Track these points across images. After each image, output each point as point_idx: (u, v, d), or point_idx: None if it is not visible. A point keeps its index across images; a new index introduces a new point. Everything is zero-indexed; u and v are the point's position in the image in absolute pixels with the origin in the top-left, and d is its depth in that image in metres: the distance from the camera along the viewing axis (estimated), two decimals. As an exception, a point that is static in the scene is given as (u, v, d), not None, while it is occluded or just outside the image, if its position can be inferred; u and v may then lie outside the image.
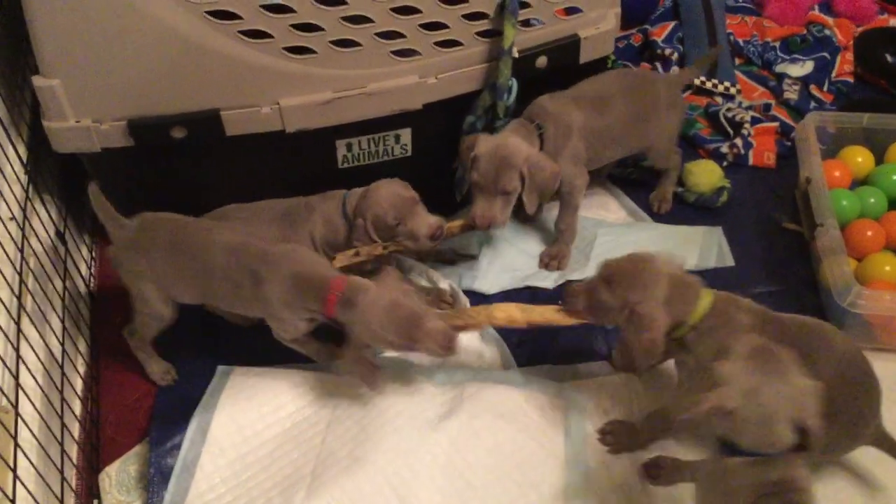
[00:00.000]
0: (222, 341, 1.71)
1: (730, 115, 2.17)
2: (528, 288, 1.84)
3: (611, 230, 1.94)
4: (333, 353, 1.60)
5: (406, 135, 1.82)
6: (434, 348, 1.42)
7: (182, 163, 1.72)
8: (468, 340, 1.68)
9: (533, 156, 1.68)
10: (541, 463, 1.50)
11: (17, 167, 1.60)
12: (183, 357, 1.69)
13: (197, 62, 1.54)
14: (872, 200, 1.86)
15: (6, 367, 1.32)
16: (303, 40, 1.56)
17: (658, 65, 2.33)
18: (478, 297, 1.80)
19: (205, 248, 1.49)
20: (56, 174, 1.84)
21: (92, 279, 1.87)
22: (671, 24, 2.42)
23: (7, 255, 1.44)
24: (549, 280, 1.84)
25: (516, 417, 1.56)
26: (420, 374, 1.64)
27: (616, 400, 1.60)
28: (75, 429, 1.56)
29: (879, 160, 1.97)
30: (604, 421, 1.56)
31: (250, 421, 1.57)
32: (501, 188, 1.66)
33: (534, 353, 1.71)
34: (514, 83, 1.74)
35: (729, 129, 2.15)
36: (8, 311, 1.38)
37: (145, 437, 1.58)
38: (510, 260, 1.88)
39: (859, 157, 1.95)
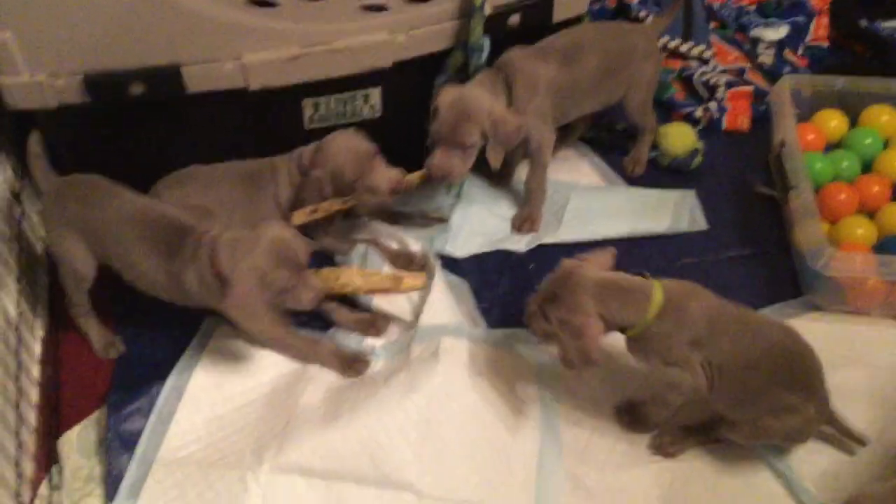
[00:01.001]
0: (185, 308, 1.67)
1: (704, 78, 2.14)
2: (501, 251, 1.81)
3: (583, 193, 1.91)
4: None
5: (375, 94, 1.78)
6: (304, 299, 1.42)
7: (141, 121, 1.66)
8: (439, 300, 1.65)
9: (496, 110, 1.64)
10: (515, 423, 1.49)
11: (-31, 125, 1.54)
12: (145, 322, 1.64)
13: (156, 14, 1.48)
14: (846, 164, 1.85)
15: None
16: (267, -8, 1.51)
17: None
18: (449, 261, 1.77)
19: (117, 213, 1.46)
20: (11, 134, 1.77)
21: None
22: (646, -14, 2.38)
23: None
24: (521, 243, 1.82)
25: (491, 377, 1.54)
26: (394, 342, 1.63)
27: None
28: (34, 393, 1.52)
29: (853, 124, 1.96)
30: (576, 382, 1.55)
31: (229, 381, 1.56)
32: (460, 140, 1.62)
33: (503, 316, 1.68)
34: (486, 42, 1.70)
35: (703, 93, 2.13)
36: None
37: (104, 403, 1.54)
38: (482, 222, 1.85)
39: (833, 121, 1.94)
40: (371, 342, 1.64)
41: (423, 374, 1.52)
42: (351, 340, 1.64)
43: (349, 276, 1.60)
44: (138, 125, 1.67)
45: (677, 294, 1.35)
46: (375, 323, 1.65)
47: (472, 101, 1.63)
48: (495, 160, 1.67)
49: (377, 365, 1.59)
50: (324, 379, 1.56)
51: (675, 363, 1.35)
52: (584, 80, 1.77)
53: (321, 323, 1.65)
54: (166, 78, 1.55)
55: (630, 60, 1.82)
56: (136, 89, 1.55)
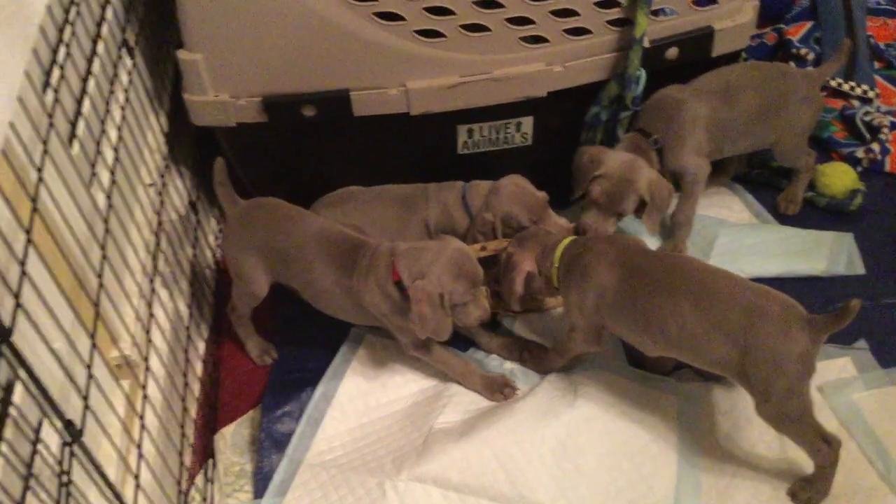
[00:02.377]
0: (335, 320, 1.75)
1: (867, 118, 2.07)
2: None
3: (733, 230, 1.88)
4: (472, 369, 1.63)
5: (528, 123, 1.82)
6: (473, 316, 1.49)
7: (310, 141, 1.77)
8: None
9: (654, 179, 1.68)
10: (653, 457, 1.48)
11: (159, 137, 1.68)
12: (298, 331, 1.73)
13: (331, 42, 1.58)
14: None
15: (139, 322, 1.39)
16: (434, 24, 1.58)
17: (792, 65, 2.24)
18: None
19: (301, 235, 1.54)
20: (191, 146, 1.92)
21: (219, 249, 1.95)
22: (808, 24, 2.32)
23: (145, 220, 1.51)
24: None
25: (630, 409, 1.55)
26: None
27: (728, 401, 1.56)
28: (197, 389, 1.63)
29: None
30: (715, 421, 1.52)
31: (374, 392, 1.64)
32: (620, 210, 1.68)
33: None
34: (643, 74, 1.71)
35: (866, 134, 2.05)
36: (143, 271, 1.45)
37: (259, 403, 1.64)
38: None
39: None
40: (510, 366, 1.66)
41: (561, 402, 1.54)
42: (491, 361, 1.67)
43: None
44: (307, 144, 1.78)
45: (581, 249, 1.49)
46: (517, 347, 1.68)
47: (636, 172, 1.67)
48: (653, 227, 1.71)
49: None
50: (463, 399, 1.60)
51: (568, 315, 1.53)
52: (741, 119, 1.76)
53: (460, 343, 1.69)
54: (336, 102, 1.65)
55: (788, 103, 1.80)
56: (309, 111, 1.66)
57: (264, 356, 1.71)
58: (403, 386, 1.65)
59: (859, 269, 1.80)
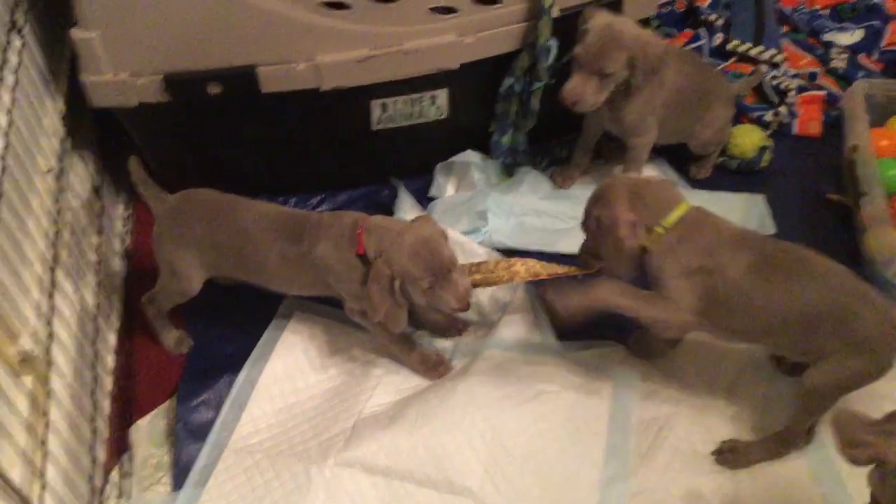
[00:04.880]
0: (253, 301, 1.71)
1: (775, 83, 2.11)
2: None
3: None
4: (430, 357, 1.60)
5: (442, 96, 1.80)
6: (450, 300, 1.42)
7: (217, 120, 1.71)
8: (513, 309, 1.67)
9: (642, 35, 1.63)
10: (584, 438, 1.49)
11: (56, 121, 1.60)
12: (214, 317, 1.69)
13: (234, 16, 1.53)
14: (921, 170, 1.80)
15: (40, 316, 1.33)
16: (340, -5, 1.55)
17: (703, 31, 2.27)
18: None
19: (245, 222, 1.50)
20: (94, 130, 1.84)
21: (128, 236, 1.88)
22: (717, -10, 2.36)
23: (43, 208, 1.44)
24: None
25: (562, 391, 1.54)
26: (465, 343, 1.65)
27: (661, 373, 1.59)
28: (108, 382, 1.58)
29: (930, 130, 1.90)
30: (647, 395, 1.55)
31: (302, 373, 1.60)
32: (602, 67, 1.61)
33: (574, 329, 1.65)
34: (555, 44, 1.71)
35: (774, 98, 2.10)
36: (43, 262, 1.39)
37: (175, 393, 1.59)
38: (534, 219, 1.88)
39: (909, 127, 1.89)
40: (444, 344, 1.65)
41: (492, 384, 1.53)
42: (422, 339, 1.66)
43: (528, 264, 1.58)
44: (214, 124, 1.72)
45: (707, 219, 1.39)
46: (457, 325, 1.67)
47: (621, 25, 1.61)
48: (645, 89, 1.67)
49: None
50: (393, 378, 1.59)
51: (661, 288, 1.37)
52: (674, 109, 1.80)
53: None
54: (242, 78, 1.60)
55: (710, 103, 1.86)
56: (213, 89, 1.61)
57: (180, 346, 1.66)
58: (332, 366, 1.62)
59: (771, 229, 1.85)
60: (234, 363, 1.61)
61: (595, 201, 1.44)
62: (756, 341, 1.46)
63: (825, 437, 1.46)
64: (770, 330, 1.37)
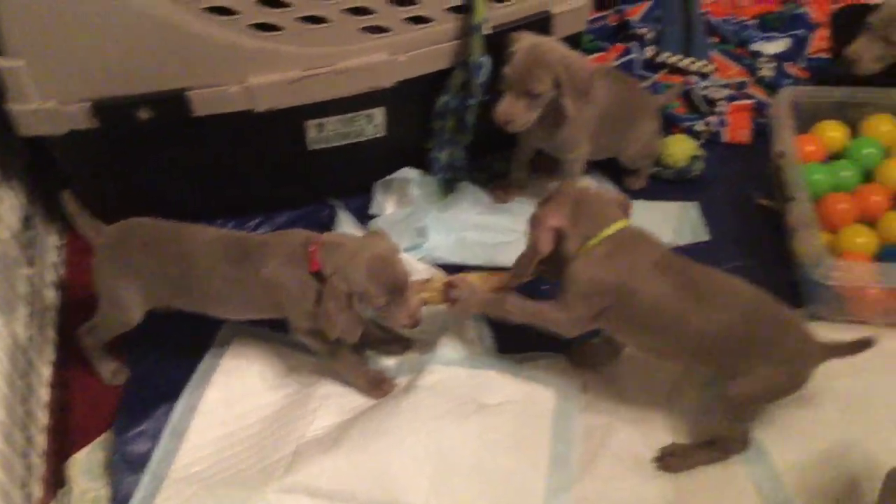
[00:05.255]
0: (191, 327, 1.68)
1: (704, 93, 2.16)
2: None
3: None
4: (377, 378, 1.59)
5: (379, 114, 1.80)
6: (402, 318, 1.43)
7: (150, 146, 1.69)
8: (455, 324, 1.68)
9: (568, 56, 1.65)
10: (528, 450, 1.49)
11: (-19, 150, 1.58)
12: (150, 345, 1.67)
13: (162, 41, 1.52)
14: (845, 174, 1.85)
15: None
16: (269, 16, 1.54)
17: (634, 44, 2.32)
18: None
19: (189, 247, 1.48)
20: (23, 159, 1.81)
21: (62, 266, 1.84)
22: (647, 4, 2.41)
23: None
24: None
25: (505, 403, 1.55)
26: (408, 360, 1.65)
27: (602, 381, 1.61)
28: (42, 416, 1.54)
29: (855, 134, 1.97)
30: (588, 404, 1.57)
31: (242, 398, 1.58)
32: (530, 87, 1.63)
33: (515, 341, 1.67)
34: (487, 60, 1.73)
35: (703, 107, 2.15)
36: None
37: (112, 425, 1.56)
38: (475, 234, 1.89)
39: (833, 132, 1.95)
40: (387, 363, 1.65)
41: (436, 400, 1.53)
42: (368, 357, 1.65)
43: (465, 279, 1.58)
44: (146, 149, 1.70)
45: (634, 238, 1.42)
46: (400, 342, 1.67)
47: (547, 46, 1.64)
48: (573, 108, 1.67)
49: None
50: (336, 400, 1.57)
51: (564, 293, 1.42)
52: (612, 116, 1.83)
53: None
54: (173, 102, 1.59)
55: (635, 119, 1.90)
56: (144, 114, 1.59)
57: (116, 376, 1.63)
58: (273, 390, 1.61)
59: (704, 235, 1.89)
60: (172, 391, 1.59)
61: (540, 203, 1.47)
62: (676, 360, 1.50)
63: (764, 441, 1.50)
64: (689, 351, 1.42)
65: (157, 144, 1.69)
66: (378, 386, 1.58)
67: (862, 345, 1.41)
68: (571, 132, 1.78)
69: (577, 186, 1.50)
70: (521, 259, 1.48)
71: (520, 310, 1.47)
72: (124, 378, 1.63)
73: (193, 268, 1.48)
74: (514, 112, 1.64)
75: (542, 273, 1.51)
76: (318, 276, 1.42)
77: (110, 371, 1.63)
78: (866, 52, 1.87)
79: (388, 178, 1.93)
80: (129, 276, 1.49)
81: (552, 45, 1.66)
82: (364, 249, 1.41)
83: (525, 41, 1.64)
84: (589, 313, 1.42)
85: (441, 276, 1.67)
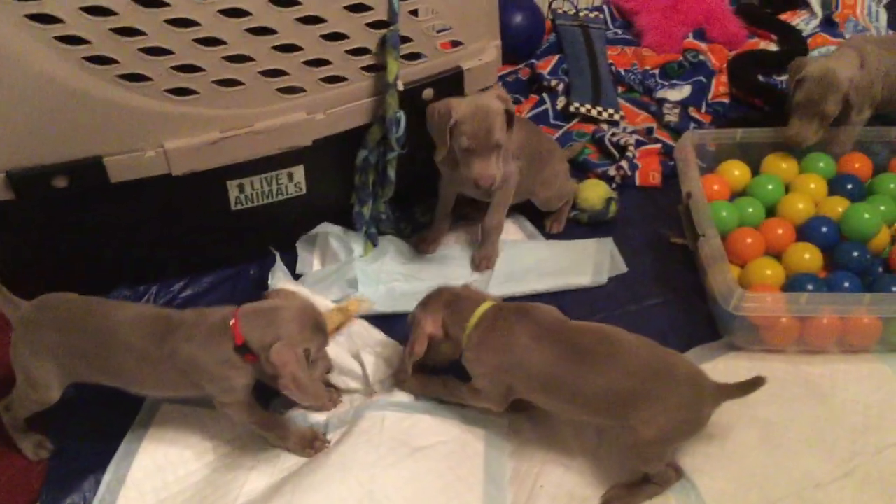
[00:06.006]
0: (117, 396, 1.65)
1: (615, 139, 2.25)
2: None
3: (512, 247, 2.01)
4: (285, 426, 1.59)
5: (299, 172, 1.83)
6: (326, 368, 1.52)
7: (68, 215, 1.68)
8: (380, 371, 1.69)
9: (501, 95, 1.76)
10: (459, 494, 1.50)
11: None
12: (74, 417, 1.63)
13: (76, 109, 1.51)
14: (751, 210, 1.95)
15: None
16: (184, 81, 1.56)
17: (546, 96, 2.41)
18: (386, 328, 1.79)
19: (106, 325, 1.46)
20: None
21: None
22: (556, 58, 2.52)
23: None
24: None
25: (436, 448, 1.56)
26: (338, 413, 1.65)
27: (531, 423, 1.63)
28: (-39, 496, 1.48)
29: (756, 172, 2.07)
30: (519, 446, 1.59)
31: (172, 466, 1.55)
32: (493, 143, 1.71)
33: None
34: (402, 115, 1.77)
35: (615, 153, 2.24)
36: None
37: (37, 500, 1.52)
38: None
39: (736, 171, 2.05)
40: (317, 417, 1.64)
41: (367, 447, 1.53)
42: (295, 416, 1.64)
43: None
44: (65, 218, 1.68)
45: (503, 317, 1.51)
46: (331, 396, 1.66)
47: (485, 101, 1.74)
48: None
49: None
50: (269, 461, 1.56)
51: (474, 382, 1.54)
52: (528, 159, 1.92)
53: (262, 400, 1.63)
54: (89, 170, 1.58)
55: (545, 164, 1.98)
56: (60, 183, 1.57)
57: (39, 450, 1.58)
58: (203, 457, 1.58)
59: (622, 268, 1.97)
60: (99, 462, 1.55)
61: (422, 302, 1.59)
62: (581, 418, 1.54)
63: (691, 471, 1.54)
64: (587, 410, 1.47)
65: (77, 212, 1.68)
66: (309, 444, 1.56)
67: (754, 384, 1.46)
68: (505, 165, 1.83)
69: (449, 288, 1.60)
70: (404, 357, 1.59)
71: (450, 394, 1.61)
72: (48, 452, 1.59)
73: (110, 346, 1.45)
74: (492, 170, 1.73)
75: (430, 361, 1.62)
76: (243, 349, 1.42)
77: (32, 445, 1.58)
78: (806, 132, 1.94)
79: (309, 234, 1.95)
80: (46, 355, 1.46)
81: (481, 97, 1.77)
82: (285, 310, 1.43)
83: (462, 107, 1.73)
84: (500, 389, 1.51)
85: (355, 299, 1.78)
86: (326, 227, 1.95)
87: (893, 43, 2.17)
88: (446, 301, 1.56)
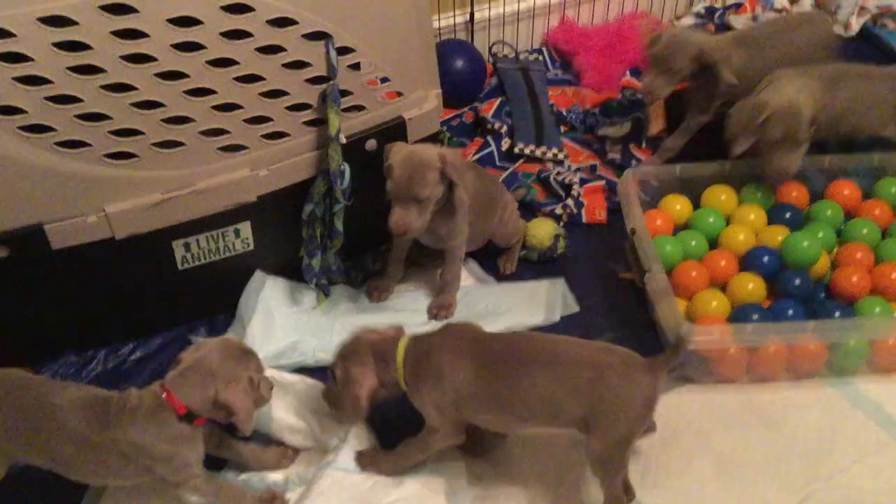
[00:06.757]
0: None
1: (560, 178, 2.28)
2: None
3: (464, 292, 2.02)
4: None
5: (246, 228, 1.82)
6: (268, 392, 1.52)
7: (10, 284, 1.65)
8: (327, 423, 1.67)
9: (442, 151, 1.74)
10: None
11: None
12: (28, 491, 1.58)
13: (14, 178, 1.50)
14: (694, 243, 1.99)
15: None
16: (123, 145, 1.55)
17: (490, 138, 2.44)
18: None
19: (42, 405, 1.41)
20: None
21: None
22: (498, 100, 2.55)
23: None
24: None
25: (396, 501, 1.55)
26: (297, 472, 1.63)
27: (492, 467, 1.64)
28: None
29: (697, 205, 2.12)
30: (481, 494, 1.58)
31: None
32: (415, 194, 1.69)
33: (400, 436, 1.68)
34: (346, 167, 1.78)
35: (560, 192, 2.27)
36: None
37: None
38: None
39: (678, 205, 2.09)
40: (274, 477, 1.61)
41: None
42: (251, 479, 1.61)
43: None
44: (6, 288, 1.65)
45: (426, 348, 1.50)
46: (286, 454, 1.64)
47: (423, 153, 1.72)
48: (463, 195, 1.80)
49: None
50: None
51: (431, 423, 1.52)
52: (481, 202, 1.93)
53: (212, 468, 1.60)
54: (29, 238, 1.56)
55: (496, 208, 2.00)
56: (0, 252, 1.55)
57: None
58: None
59: (574, 307, 1.98)
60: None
61: (345, 356, 1.53)
62: (537, 429, 1.54)
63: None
64: (528, 419, 1.48)
65: (19, 280, 1.65)
66: None
67: (679, 346, 1.46)
68: (457, 220, 1.86)
69: (363, 335, 1.56)
70: (348, 417, 1.58)
71: (418, 453, 1.58)
72: None
73: (46, 430, 1.41)
74: (409, 221, 1.71)
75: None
76: (189, 416, 1.40)
77: None
78: (657, 85, 2.19)
79: (247, 289, 1.91)
80: None
81: (425, 149, 1.75)
82: (207, 357, 1.43)
83: (398, 153, 1.72)
84: (451, 417, 1.50)
85: None
86: (259, 278, 1.93)
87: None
88: (370, 349, 1.52)
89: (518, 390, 1.44)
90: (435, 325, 1.92)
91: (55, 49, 1.42)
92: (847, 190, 2.10)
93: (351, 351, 1.53)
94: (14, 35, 1.39)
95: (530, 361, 1.46)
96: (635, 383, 1.42)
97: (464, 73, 2.55)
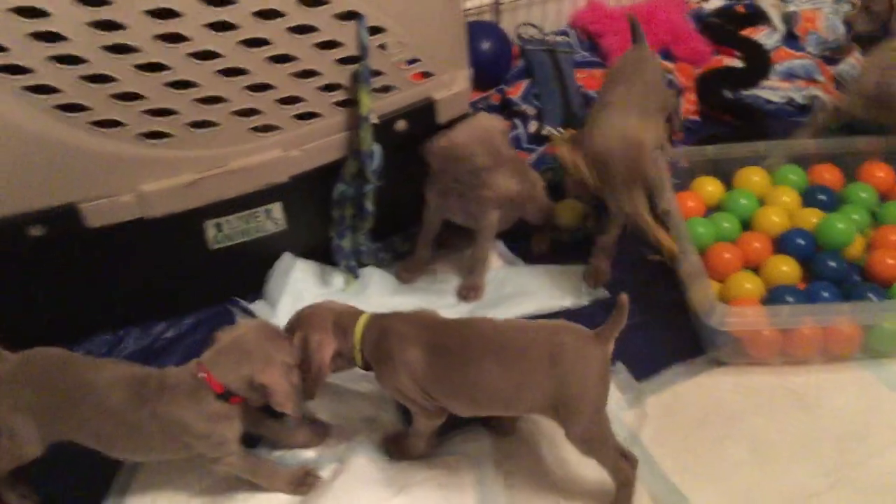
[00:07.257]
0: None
1: (589, 160, 2.27)
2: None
3: (493, 274, 2.01)
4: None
5: (277, 209, 1.83)
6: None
7: (46, 262, 1.67)
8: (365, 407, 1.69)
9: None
10: None
11: None
12: (63, 466, 1.59)
13: (49, 156, 1.51)
14: (726, 225, 1.97)
15: None
16: (157, 125, 1.56)
17: (518, 121, 2.43)
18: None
19: (85, 383, 1.43)
20: None
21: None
22: (525, 83, 2.54)
23: None
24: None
25: (425, 479, 1.56)
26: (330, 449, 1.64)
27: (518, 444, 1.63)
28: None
29: (729, 187, 2.10)
30: (508, 475, 1.57)
31: None
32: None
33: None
34: (378, 148, 1.78)
35: (590, 174, 2.25)
36: None
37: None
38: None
39: (710, 187, 2.07)
40: (307, 454, 1.63)
41: (357, 487, 1.53)
42: (284, 456, 1.62)
43: None
44: (43, 266, 1.67)
45: (380, 333, 1.47)
46: (318, 432, 1.65)
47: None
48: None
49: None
50: (259, 500, 1.54)
51: (397, 395, 1.50)
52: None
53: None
54: (65, 217, 1.57)
55: (527, 176, 2.00)
56: (36, 231, 1.57)
57: (24, 501, 1.55)
58: (193, 501, 1.55)
59: (602, 293, 1.97)
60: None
61: (303, 322, 1.50)
62: (507, 413, 1.55)
63: (682, 487, 1.55)
64: (487, 406, 1.47)
65: (54, 259, 1.67)
66: (302, 482, 1.55)
67: (620, 310, 1.41)
68: (486, 198, 1.84)
69: (322, 305, 1.54)
70: (307, 385, 1.50)
71: (416, 444, 1.57)
72: (33, 503, 1.56)
73: (85, 408, 1.42)
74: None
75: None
76: (226, 394, 1.41)
77: (17, 497, 1.55)
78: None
79: (275, 270, 1.93)
80: (26, 411, 1.43)
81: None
82: (245, 337, 1.43)
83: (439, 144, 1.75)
84: (419, 397, 1.47)
85: None
86: (286, 260, 1.94)
87: None
88: (331, 317, 1.50)
89: (469, 380, 1.42)
90: (463, 308, 1.93)
91: (90, 28, 1.43)
92: (881, 172, 2.07)
93: (305, 318, 1.51)
94: (49, 14, 1.39)
95: (479, 350, 1.43)
96: (591, 358, 1.40)
97: (490, 54, 2.54)
